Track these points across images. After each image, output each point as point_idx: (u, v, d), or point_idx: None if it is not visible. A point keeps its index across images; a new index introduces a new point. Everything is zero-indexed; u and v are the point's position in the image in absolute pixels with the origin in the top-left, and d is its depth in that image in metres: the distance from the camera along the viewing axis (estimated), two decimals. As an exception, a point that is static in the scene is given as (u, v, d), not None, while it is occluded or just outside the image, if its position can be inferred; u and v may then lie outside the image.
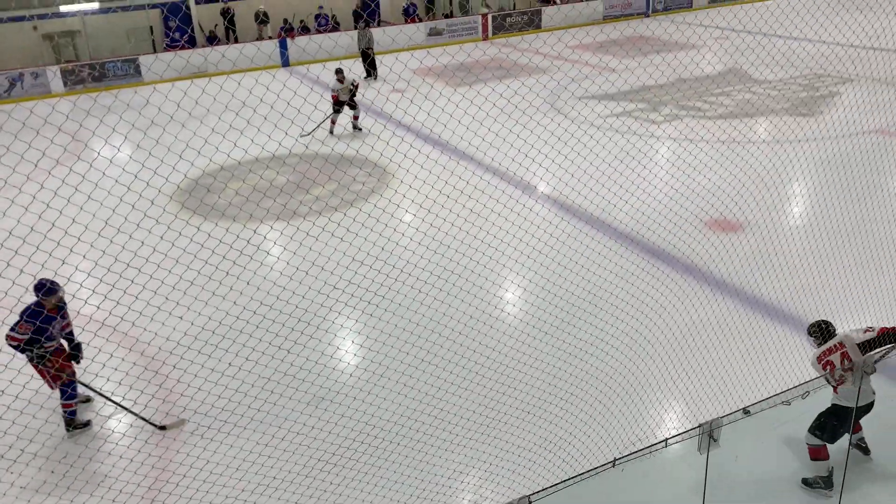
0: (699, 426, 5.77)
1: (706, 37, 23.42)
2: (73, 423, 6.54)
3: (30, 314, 6.14)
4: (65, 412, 6.52)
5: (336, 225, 9.13)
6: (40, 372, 6.29)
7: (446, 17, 25.79)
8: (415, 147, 11.75)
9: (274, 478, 5.47)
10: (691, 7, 28.58)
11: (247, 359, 7.00)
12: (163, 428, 6.66)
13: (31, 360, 6.25)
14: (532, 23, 25.66)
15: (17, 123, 16.00)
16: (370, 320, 7.63)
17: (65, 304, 6.53)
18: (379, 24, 24.24)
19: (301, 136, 13.83)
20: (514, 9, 26.87)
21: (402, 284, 7.70)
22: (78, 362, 6.67)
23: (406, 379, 6.49)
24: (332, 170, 12.28)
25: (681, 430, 5.85)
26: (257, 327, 7.46)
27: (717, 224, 9.72)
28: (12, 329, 6.05)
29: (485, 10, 25.94)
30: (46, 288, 6.20)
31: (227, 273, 8.29)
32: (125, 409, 6.54)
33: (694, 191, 9.92)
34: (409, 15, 25.03)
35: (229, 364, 6.87)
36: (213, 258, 8.45)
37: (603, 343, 6.77)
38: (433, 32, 24.13)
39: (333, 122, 14.73)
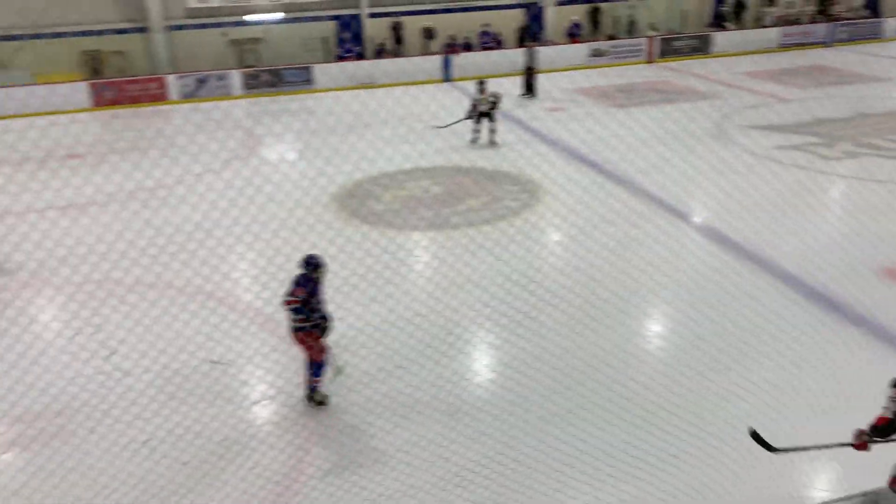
0: (863, 494, 5.25)
1: (895, 71, 21.58)
2: (315, 398, 6.76)
3: (302, 280, 6.42)
4: (310, 386, 6.71)
5: (485, 238, 9.21)
6: (303, 341, 6.48)
7: (610, 38, 25.42)
8: (570, 166, 11.62)
9: (411, 486, 5.53)
10: (880, 38, 26.47)
11: (391, 362, 7.17)
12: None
13: (298, 329, 6.47)
14: (701, 48, 24.75)
15: (203, 117, 17.45)
16: (512, 338, 7.58)
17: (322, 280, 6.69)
18: (543, 44, 24.31)
19: (436, 128, 13.86)
20: (683, 32, 26.04)
21: (547, 304, 7.61)
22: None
23: (547, 403, 6.37)
24: (485, 182, 12.39)
25: (839, 496, 5.35)
26: (401, 330, 7.64)
27: (894, 274, 8.88)
28: (290, 294, 6.37)
29: (652, 33, 25.33)
30: (314, 264, 6.52)
31: (379, 276, 8.57)
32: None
33: (868, 235, 9.12)
34: (574, 36, 24.90)
35: (377, 367, 7.06)
36: (366, 260, 8.78)
37: (755, 388, 6.33)
38: (596, 53, 23.85)
39: (477, 133, 14.84)
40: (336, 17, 23.04)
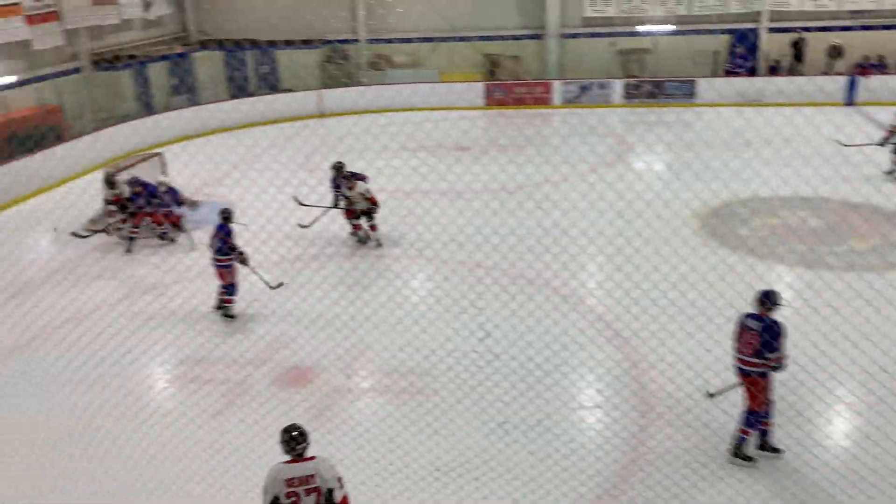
0: None
1: None
2: (741, 453, 6.11)
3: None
4: (740, 437, 6.11)
5: (868, 287, 8.01)
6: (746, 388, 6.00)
7: None
8: None
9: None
10: None
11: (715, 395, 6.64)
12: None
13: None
14: None
15: (580, 122, 18.04)
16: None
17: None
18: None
19: (840, 144, 12.20)
20: None
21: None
22: None
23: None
24: (879, 222, 10.75)
25: None
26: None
27: None
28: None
29: None
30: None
31: (729, 304, 7.98)
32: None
33: None
34: None
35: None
36: (718, 285, 8.25)
37: None
38: None
39: None
40: (731, 31, 21.93)
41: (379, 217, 11.07)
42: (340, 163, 11.44)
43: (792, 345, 6.48)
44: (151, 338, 8.49)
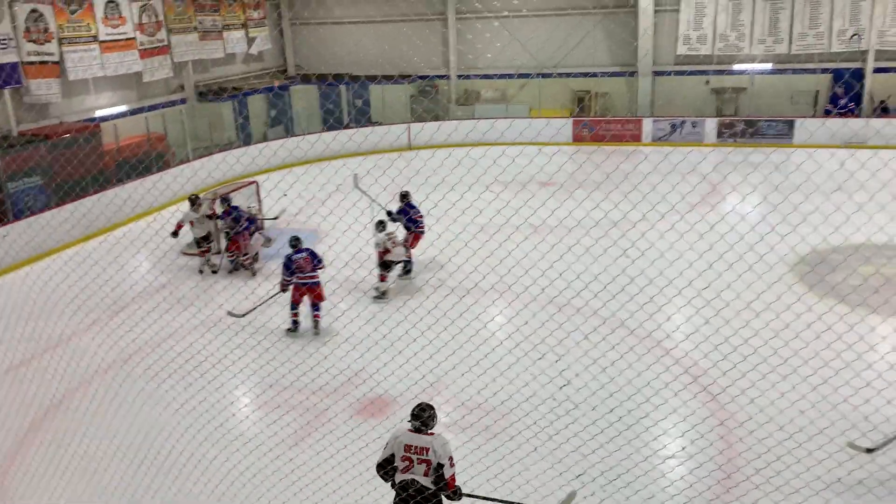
0: None
1: None
2: None
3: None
4: None
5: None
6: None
7: None
8: None
9: None
10: None
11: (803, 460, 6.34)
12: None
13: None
14: None
15: (668, 162, 17.72)
16: None
17: None
18: None
19: None
20: None
21: None
22: None
23: None
24: None
25: None
26: (805, 423, 6.67)
27: None
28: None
29: None
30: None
31: (819, 357, 7.63)
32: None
33: None
34: None
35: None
36: (817, 342, 7.91)
37: None
38: None
39: None
40: (832, 70, 21.14)
41: (460, 250, 11.14)
42: (406, 192, 11.97)
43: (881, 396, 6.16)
44: (239, 363, 8.82)
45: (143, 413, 7.97)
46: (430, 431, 5.15)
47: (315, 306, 10.05)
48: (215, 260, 12.67)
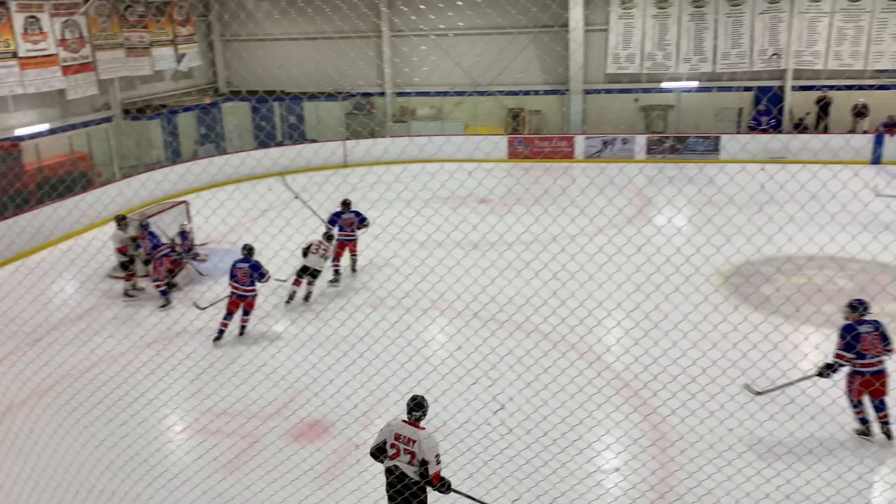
0: None
1: None
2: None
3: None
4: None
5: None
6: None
7: None
8: None
9: None
10: None
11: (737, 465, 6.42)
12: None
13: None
14: None
15: (603, 177, 18.03)
16: None
17: None
18: None
19: (879, 194, 11.94)
20: None
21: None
22: None
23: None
24: (906, 287, 10.51)
25: None
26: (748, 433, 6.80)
27: None
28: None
29: None
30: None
31: (754, 364, 7.79)
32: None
33: None
34: None
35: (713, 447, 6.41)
36: (742, 345, 8.07)
37: None
38: None
39: None
40: (756, 88, 21.98)
41: (399, 267, 10.99)
42: (347, 200, 12.07)
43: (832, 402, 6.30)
44: (168, 391, 8.44)
45: (61, 449, 7.50)
46: (421, 426, 5.42)
47: (245, 312, 10.16)
48: (143, 283, 12.13)
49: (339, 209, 12.12)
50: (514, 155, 22.02)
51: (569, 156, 21.69)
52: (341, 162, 21.93)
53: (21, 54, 16.28)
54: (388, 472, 5.50)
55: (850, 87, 21.30)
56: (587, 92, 22.85)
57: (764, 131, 21.08)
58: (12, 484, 6.91)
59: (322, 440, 7.60)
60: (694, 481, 6.40)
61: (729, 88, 22.03)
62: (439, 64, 23.17)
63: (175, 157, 20.63)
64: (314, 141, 22.73)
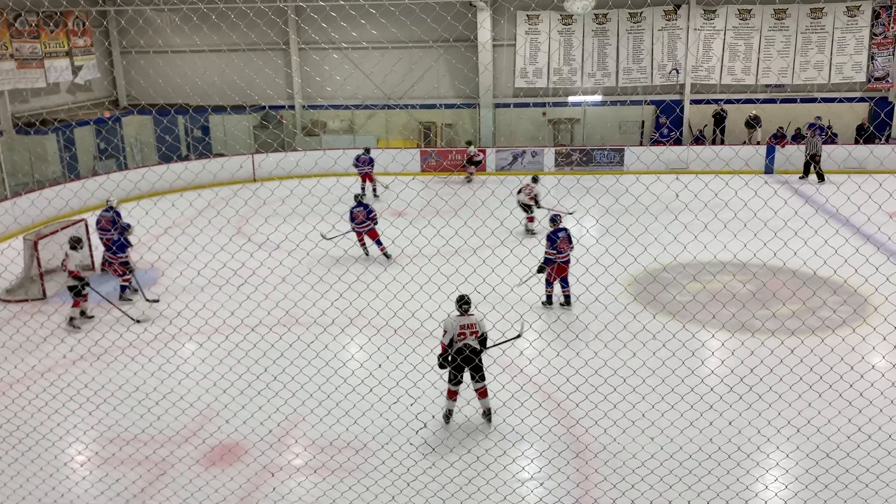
0: None
1: None
2: None
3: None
4: None
5: (789, 352, 8.17)
6: None
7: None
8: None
9: None
10: None
11: (659, 458, 6.59)
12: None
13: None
14: None
15: (508, 189, 18.30)
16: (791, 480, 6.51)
17: None
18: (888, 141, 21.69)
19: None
20: None
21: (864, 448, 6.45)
22: None
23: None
24: (799, 287, 11.11)
25: None
26: (680, 431, 7.00)
27: None
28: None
29: None
30: None
31: (666, 367, 8.03)
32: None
33: None
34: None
35: (637, 443, 6.54)
36: (641, 352, 8.32)
37: None
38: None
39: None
40: (658, 103, 22.89)
41: (314, 282, 10.79)
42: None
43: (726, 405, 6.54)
44: (72, 417, 7.94)
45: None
46: (470, 313, 7.64)
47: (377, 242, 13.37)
48: (92, 312, 11.32)
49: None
50: (428, 168, 22.08)
51: (481, 169, 21.92)
52: (250, 176, 21.42)
53: None
54: (460, 351, 7.48)
55: (743, 101, 22.52)
56: (497, 106, 23.22)
57: (666, 143, 21.98)
58: None
59: (236, 467, 7.32)
60: (618, 492, 6.53)
61: (632, 102, 22.88)
62: (351, 76, 23.02)
63: (71, 172, 19.62)
64: (221, 155, 22.11)
